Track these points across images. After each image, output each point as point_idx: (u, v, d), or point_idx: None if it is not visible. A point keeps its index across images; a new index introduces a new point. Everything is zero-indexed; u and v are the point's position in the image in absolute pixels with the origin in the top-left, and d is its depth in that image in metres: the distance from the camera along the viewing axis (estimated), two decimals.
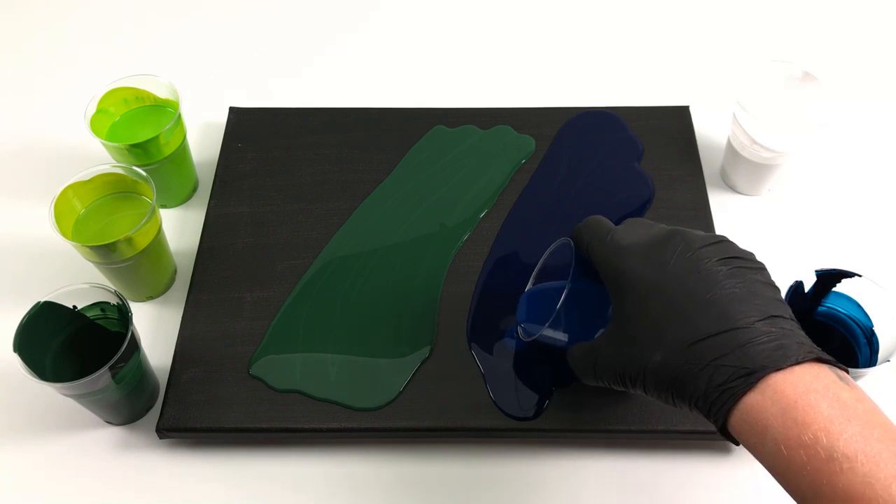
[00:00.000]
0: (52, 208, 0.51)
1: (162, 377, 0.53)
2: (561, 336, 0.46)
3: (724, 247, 0.40)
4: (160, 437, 0.50)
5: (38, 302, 0.47)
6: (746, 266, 0.39)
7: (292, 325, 0.54)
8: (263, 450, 0.51)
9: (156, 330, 0.56)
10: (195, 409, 0.50)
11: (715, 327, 0.37)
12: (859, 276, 0.48)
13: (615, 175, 0.61)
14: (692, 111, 0.65)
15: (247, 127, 0.65)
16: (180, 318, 0.54)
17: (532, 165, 0.62)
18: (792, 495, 0.35)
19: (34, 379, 0.44)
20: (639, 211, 0.59)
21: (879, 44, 0.74)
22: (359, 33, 0.76)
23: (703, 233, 0.41)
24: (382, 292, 0.55)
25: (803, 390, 0.34)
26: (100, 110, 0.58)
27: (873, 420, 0.33)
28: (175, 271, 0.59)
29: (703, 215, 0.58)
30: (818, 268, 0.49)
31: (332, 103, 0.67)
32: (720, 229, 0.59)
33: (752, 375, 0.35)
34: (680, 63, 0.73)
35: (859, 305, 0.49)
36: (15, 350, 0.45)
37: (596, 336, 0.43)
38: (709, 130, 0.66)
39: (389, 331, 0.53)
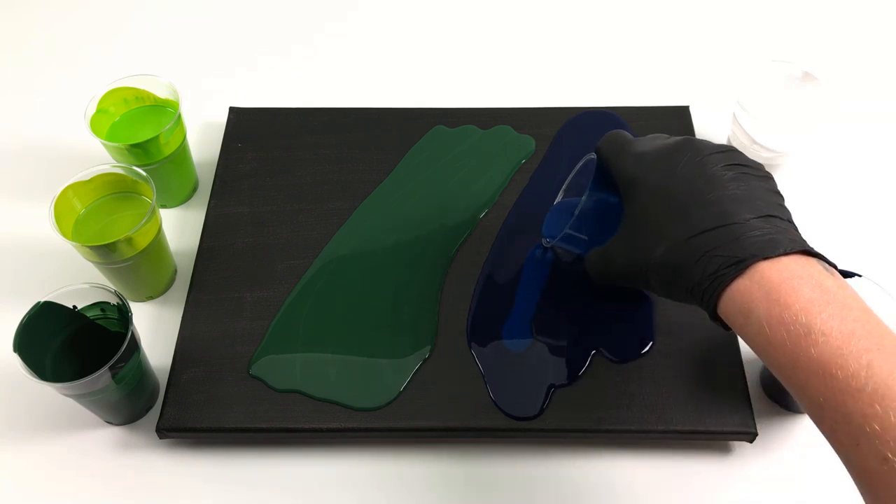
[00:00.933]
0: (52, 208, 0.51)
1: (162, 377, 0.53)
2: (580, 240, 0.50)
3: (732, 155, 0.42)
4: (160, 437, 0.50)
5: (38, 302, 0.47)
6: (752, 173, 0.42)
7: (292, 325, 0.54)
8: (263, 450, 0.51)
9: (156, 330, 0.56)
10: (195, 409, 0.50)
11: (712, 223, 0.39)
12: (859, 276, 0.48)
13: None
14: (692, 111, 0.65)
15: (247, 127, 0.65)
16: (180, 318, 0.54)
17: (532, 165, 0.62)
18: (771, 369, 0.37)
19: (34, 379, 0.44)
20: None
21: (879, 44, 0.74)
22: (359, 33, 0.76)
23: (714, 142, 0.44)
24: (382, 292, 0.55)
25: (788, 276, 0.37)
26: (100, 110, 0.58)
27: (852, 304, 0.36)
28: (175, 271, 0.59)
29: None
30: None
31: (332, 103, 0.66)
32: None
33: (742, 263, 0.38)
34: (680, 63, 0.73)
35: None
36: (15, 350, 0.45)
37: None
38: (709, 130, 0.66)
39: (389, 331, 0.53)
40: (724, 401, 0.49)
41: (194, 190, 0.64)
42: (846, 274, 0.49)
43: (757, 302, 0.37)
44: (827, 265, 0.38)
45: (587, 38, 0.75)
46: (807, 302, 0.35)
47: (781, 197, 0.42)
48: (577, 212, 0.47)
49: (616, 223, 0.46)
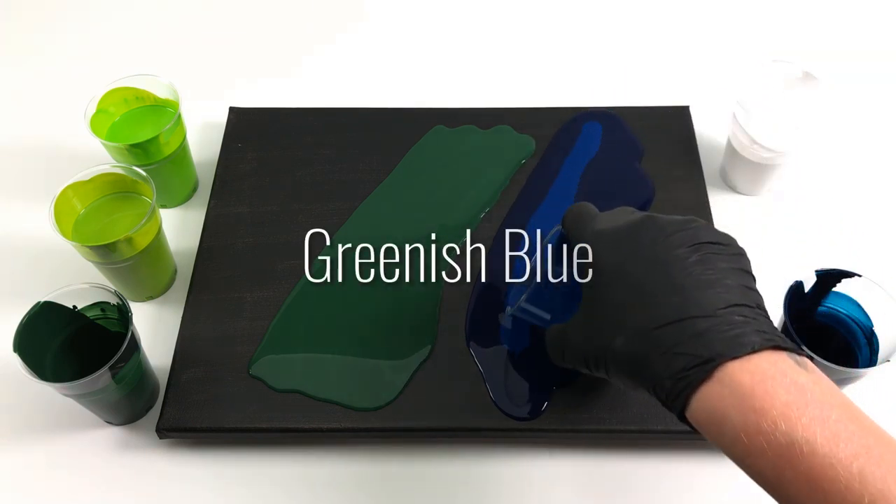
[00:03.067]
0: (52, 208, 0.51)
1: (162, 377, 0.53)
2: (542, 315, 0.46)
3: (696, 232, 0.40)
4: (160, 437, 0.50)
5: (38, 302, 0.47)
6: (718, 252, 0.39)
7: (292, 325, 0.54)
8: (263, 450, 0.51)
9: (156, 330, 0.56)
10: (195, 409, 0.50)
11: (675, 314, 0.37)
12: (859, 276, 0.48)
13: (615, 175, 0.61)
14: (692, 111, 0.65)
15: (247, 127, 0.65)
16: (180, 318, 0.54)
17: (532, 165, 0.62)
18: (755, 480, 0.35)
19: (34, 379, 0.44)
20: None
21: (879, 44, 0.74)
22: (359, 33, 0.76)
23: (679, 217, 0.41)
24: (382, 292, 0.55)
25: (760, 378, 0.34)
26: (100, 110, 0.58)
27: (832, 402, 0.34)
28: (175, 271, 0.59)
29: (704, 215, 0.58)
30: (818, 268, 0.49)
31: (332, 103, 0.66)
32: (720, 229, 0.59)
33: (708, 364, 0.35)
34: (680, 63, 0.73)
35: (859, 305, 0.49)
36: (15, 350, 0.45)
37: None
38: (709, 130, 0.65)
39: (389, 331, 0.53)
40: None
41: (194, 190, 0.64)
42: (846, 274, 0.49)
43: (730, 409, 0.34)
44: (798, 357, 0.36)
45: (587, 38, 0.75)
46: (784, 406, 0.33)
47: (750, 278, 0.39)
48: (530, 286, 0.45)
49: (579, 299, 0.43)
